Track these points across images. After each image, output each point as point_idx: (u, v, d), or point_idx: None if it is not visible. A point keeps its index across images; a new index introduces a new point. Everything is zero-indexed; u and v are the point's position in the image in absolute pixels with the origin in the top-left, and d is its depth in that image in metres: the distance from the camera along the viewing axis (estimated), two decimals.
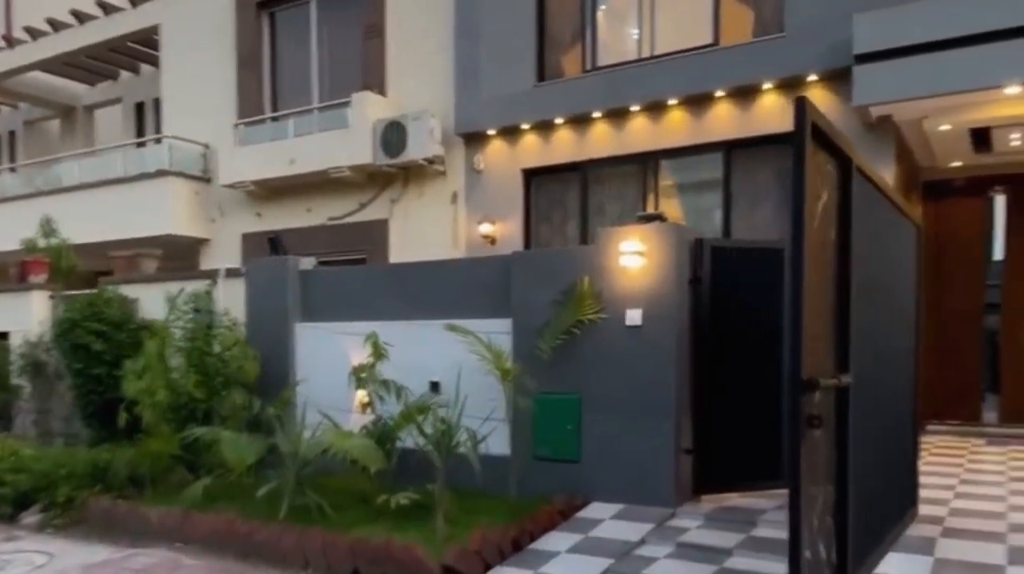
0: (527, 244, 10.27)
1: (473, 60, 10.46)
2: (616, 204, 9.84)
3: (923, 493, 5.85)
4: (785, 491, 5.69)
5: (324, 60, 12.24)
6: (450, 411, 6.12)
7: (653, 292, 6.12)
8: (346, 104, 11.10)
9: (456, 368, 6.51)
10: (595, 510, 6.10)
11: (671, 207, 9.49)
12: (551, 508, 6.02)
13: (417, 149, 10.40)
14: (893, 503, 4.73)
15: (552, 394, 6.51)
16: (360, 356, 6.98)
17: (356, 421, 7.07)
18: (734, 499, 6.29)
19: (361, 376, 6.86)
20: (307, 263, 8.28)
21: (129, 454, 7.31)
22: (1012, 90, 6.84)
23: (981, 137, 8.15)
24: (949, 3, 6.97)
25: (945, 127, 7.68)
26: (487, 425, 6.32)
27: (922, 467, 7.18)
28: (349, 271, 8.89)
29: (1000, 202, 9.64)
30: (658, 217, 6.37)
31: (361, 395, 7.06)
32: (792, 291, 2.70)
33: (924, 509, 5.49)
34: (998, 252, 9.72)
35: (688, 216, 9.32)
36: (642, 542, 5.43)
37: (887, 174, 7.83)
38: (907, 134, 8.15)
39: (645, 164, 9.64)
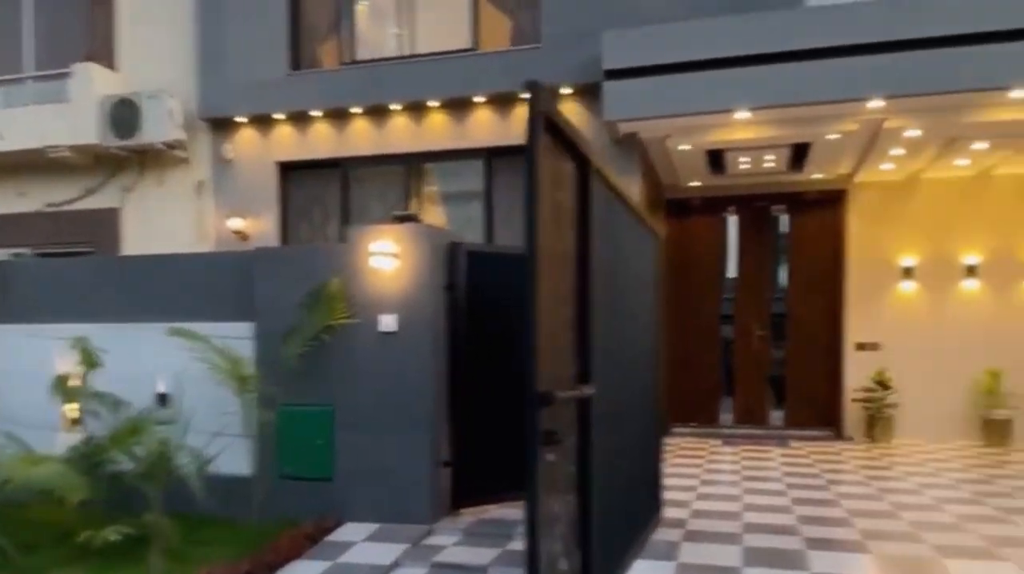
0: (285, 242, 9.58)
1: (220, 39, 9.59)
2: (380, 205, 9.47)
3: (668, 495, 6.07)
4: None
5: (41, 24, 10.58)
6: (178, 426, 5.35)
7: (408, 297, 5.82)
8: (67, 75, 9.68)
9: (188, 378, 5.77)
10: (348, 532, 5.67)
11: (435, 211, 9.31)
12: (297, 533, 5.48)
13: (153, 131, 9.31)
14: (639, 510, 4.79)
15: (301, 406, 5.99)
16: (68, 363, 5.97)
17: (65, 441, 6.03)
18: (493, 511, 6.15)
19: (68, 388, 5.86)
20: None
21: None
22: (741, 115, 7.40)
23: (716, 159, 8.82)
24: (689, 28, 7.38)
25: (685, 147, 8.19)
26: (224, 441, 5.64)
27: (667, 470, 7.56)
28: (56, 263, 7.69)
29: (733, 222, 10.56)
30: (412, 218, 6.09)
31: (70, 410, 6.04)
32: (526, 297, 2.49)
33: (669, 512, 5.69)
34: (733, 268, 10.63)
35: (453, 221, 9.18)
36: (395, 565, 5.09)
37: (633, 189, 8.19)
38: (652, 152, 8.61)
39: (408, 166, 9.38)
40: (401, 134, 9.20)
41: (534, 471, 2.63)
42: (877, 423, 9.36)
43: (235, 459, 5.82)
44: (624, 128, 7.90)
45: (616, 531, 3.99)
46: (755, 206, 10.27)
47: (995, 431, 8.98)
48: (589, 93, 8.11)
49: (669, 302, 10.36)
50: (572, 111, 8.40)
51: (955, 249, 9.40)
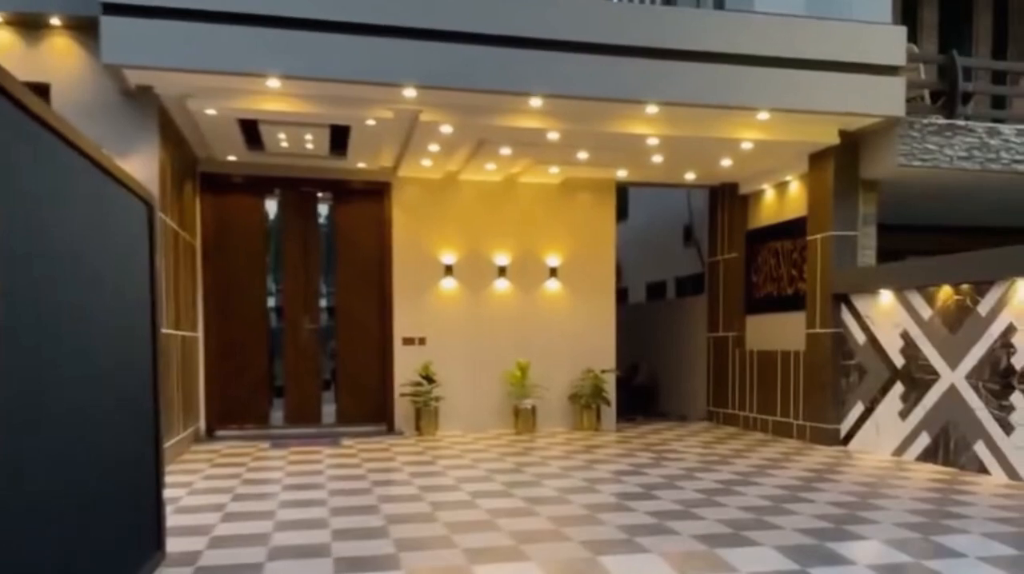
0: None
1: None
2: None
3: (185, 521, 5.04)
4: None
5: None
6: None
7: None
8: None
9: None
10: None
11: None
12: None
13: None
14: (117, 557, 3.58)
15: None
16: None
17: None
18: None
19: None
20: None
21: None
22: (273, 83, 6.60)
23: (252, 133, 7.87)
24: None
25: (211, 112, 7.05)
26: None
27: (199, 484, 6.37)
28: None
29: (277, 205, 9.70)
30: None
31: None
32: None
33: (180, 544, 4.55)
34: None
35: None
36: None
37: (151, 156, 6.83)
38: (176, 114, 7.32)
39: None
40: None
41: None
42: (424, 416, 9.38)
43: None
44: (134, 79, 6.49)
45: None
46: (301, 191, 9.56)
47: (523, 419, 9.64)
48: (88, 29, 6.47)
49: (209, 290, 9.13)
50: (68, 51, 6.68)
51: (488, 250, 9.89)
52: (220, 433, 9.15)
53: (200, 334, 9.08)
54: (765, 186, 10.00)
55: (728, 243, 10.71)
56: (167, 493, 5.98)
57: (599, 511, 5.42)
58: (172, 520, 5.14)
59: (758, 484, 6.37)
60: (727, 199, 10.70)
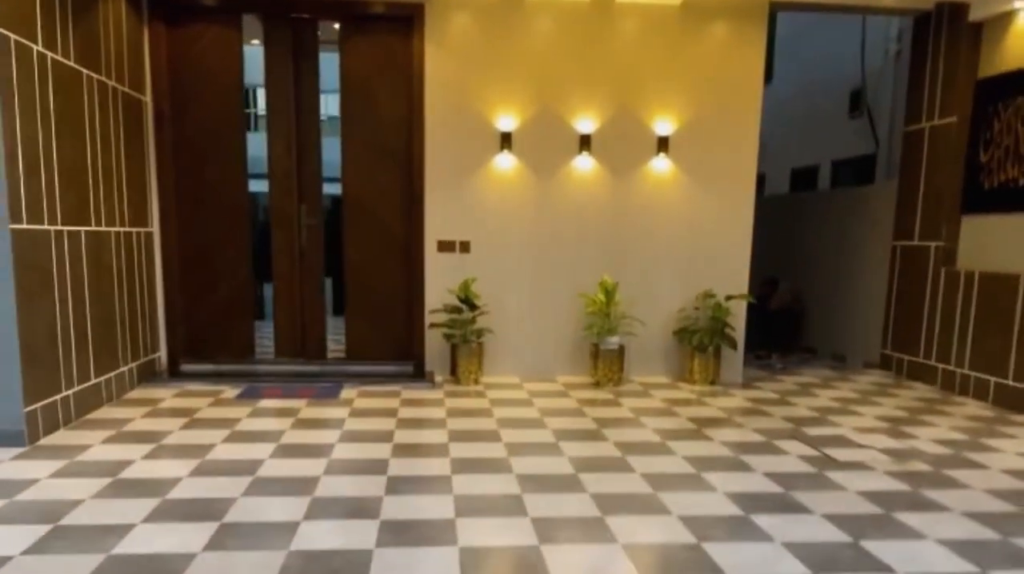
0: None
1: None
2: None
3: None
4: None
5: None
6: None
7: None
8: None
9: None
10: None
11: None
12: None
13: None
14: None
15: None
16: None
17: None
18: None
19: None
20: None
21: None
22: None
23: None
24: None
25: None
26: None
27: (28, 493, 3.78)
28: None
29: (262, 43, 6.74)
30: None
31: None
32: None
33: None
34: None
35: None
36: None
37: None
38: None
39: None
40: None
41: None
42: (462, 355, 6.56)
43: None
44: None
45: None
46: (294, 20, 6.53)
47: (606, 363, 6.60)
48: None
49: (167, 168, 6.43)
50: None
51: (567, 110, 6.67)
52: (187, 368, 6.67)
53: (155, 230, 6.49)
54: (1018, 4, 6.14)
55: (941, 102, 6.96)
56: None
57: None
58: None
59: None
60: (945, 29, 6.87)
